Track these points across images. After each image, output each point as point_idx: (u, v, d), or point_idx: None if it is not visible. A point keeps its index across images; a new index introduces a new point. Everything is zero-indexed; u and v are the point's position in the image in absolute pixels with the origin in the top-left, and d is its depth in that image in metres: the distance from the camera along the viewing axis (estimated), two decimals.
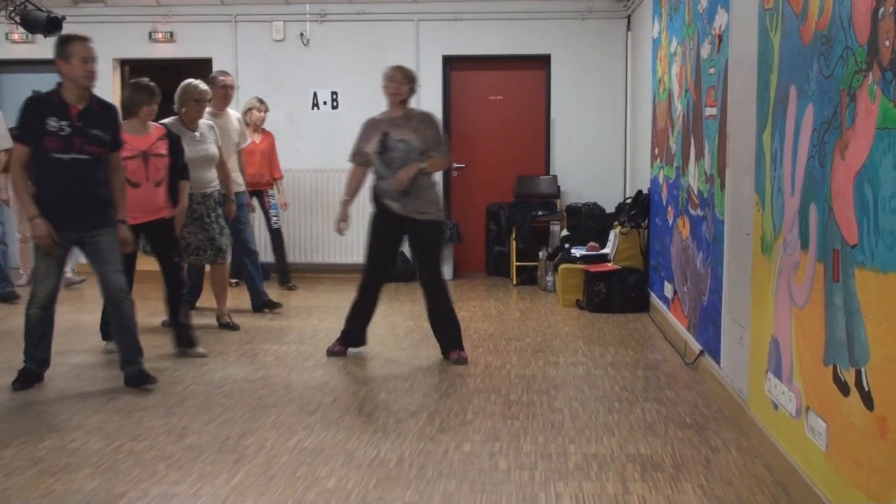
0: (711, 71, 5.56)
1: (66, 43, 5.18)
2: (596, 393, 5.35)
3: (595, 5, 10.14)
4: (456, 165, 10.59)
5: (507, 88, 10.58)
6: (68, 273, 9.20)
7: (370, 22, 10.36)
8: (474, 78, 10.62)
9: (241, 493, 3.77)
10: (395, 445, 4.38)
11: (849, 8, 3.18)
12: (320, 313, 7.95)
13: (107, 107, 5.36)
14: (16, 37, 10.38)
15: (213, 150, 6.84)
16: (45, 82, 9.97)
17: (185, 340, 6.27)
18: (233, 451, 4.30)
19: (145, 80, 6.17)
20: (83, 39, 5.21)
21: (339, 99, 10.33)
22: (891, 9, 2.80)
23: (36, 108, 5.15)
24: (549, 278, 9.25)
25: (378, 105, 10.29)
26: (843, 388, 3.18)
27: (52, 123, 5.09)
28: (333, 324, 7.48)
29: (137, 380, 5.39)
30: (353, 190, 6.50)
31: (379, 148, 6.11)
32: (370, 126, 6.31)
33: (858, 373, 3.04)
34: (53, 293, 5.32)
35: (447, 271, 10.20)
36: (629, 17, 9.97)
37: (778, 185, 4.03)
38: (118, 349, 5.46)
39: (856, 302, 3.06)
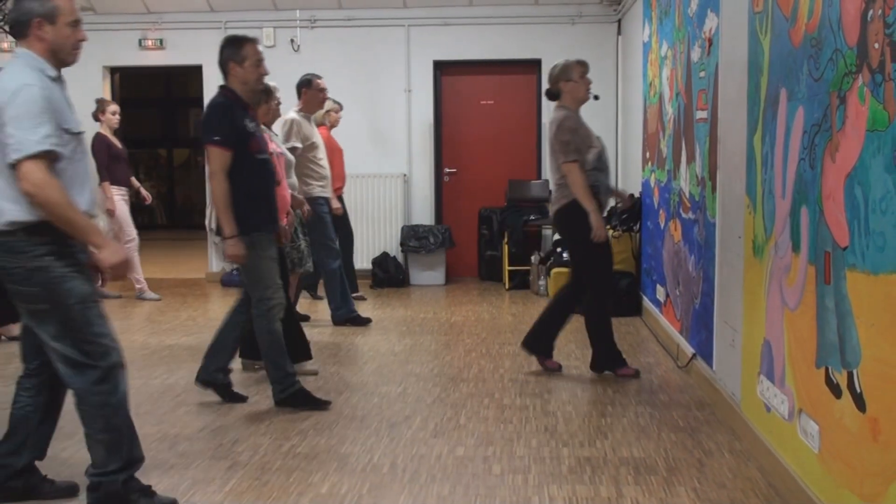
0: (702, 74, 5.58)
1: (240, 45, 5.00)
2: (589, 396, 5.35)
3: (585, 10, 10.16)
4: (448, 170, 10.61)
5: (498, 93, 10.60)
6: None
7: (360, 28, 10.37)
8: (465, 83, 10.64)
9: (235, 499, 3.76)
10: (388, 450, 4.38)
11: (838, 10, 3.19)
12: (312, 319, 7.92)
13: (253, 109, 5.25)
14: (5, 45, 10.36)
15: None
16: None
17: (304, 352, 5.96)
18: (226, 457, 4.29)
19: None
20: (254, 41, 5.07)
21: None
22: (879, 11, 2.81)
23: (232, 111, 4.90)
24: (541, 282, 9.25)
25: (370, 110, 10.37)
26: (836, 391, 3.19)
27: (249, 124, 4.94)
28: (325, 329, 7.48)
29: (301, 399, 5.12)
30: None
31: (601, 143, 5.87)
32: (580, 122, 5.83)
33: (850, 375, 3.05)
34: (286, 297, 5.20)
35: (440, 276, 10.22)
36: (619, 21, 10.00)
37: (769, 187, 4.04)
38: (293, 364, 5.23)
39: (847, 304, 3.07)
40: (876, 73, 2.84)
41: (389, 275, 10.12)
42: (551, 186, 5.83)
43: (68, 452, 4.33)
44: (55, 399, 3.73)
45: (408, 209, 10.47)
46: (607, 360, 5.85)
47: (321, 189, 7.51)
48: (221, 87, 5.02)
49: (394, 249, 10.31)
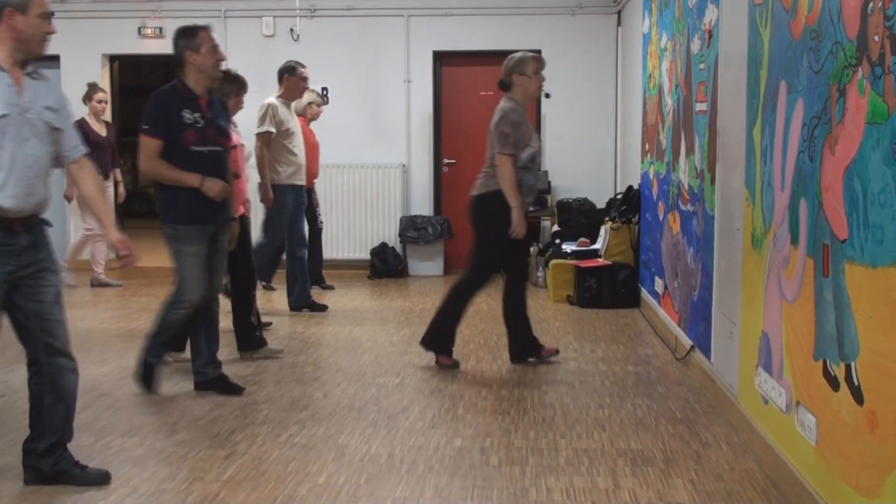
0: (701, 66, 5.57)
1: (193, 33, 5.02)
2: (586, 388, 5.36)
3: (585, 0, 10.14)
4: (447, 161, 10.59)
5: (496, 84, 10.55)
6: (101, 274, 9.14)
7: (360, 17, 10.34)
8: (465, 73, 10.62)
9: (233, 489, 3.76)
10: (385, 441, 4.38)
11: (838, 3, 3.19)
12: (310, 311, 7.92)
13: (222, 100, 5.25)
14: None
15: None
16: None
17: (257, 342, 6.11)
18: (223, 446, 4.30)
19: (233, 70, 6.09)
20: (208, 28, 5.09)
21: (329, 94, 10.30)
22: (880, 4, 2.81)
23: (169, 101, 4.96)
24: (539, 274, 9.25)
25: (369, 100, 10.35)
26: (833, 383, 3.19)
27: (188, 116, 4.93)
28: (322, 320, 7.48)
29: (222, 384, 5.23)
30: None
31: (538, 144, 5.89)
32: (524, 117, 5.82)
33: (848, 367, 3.05)
34: (204, 299, 5.10)
35: (439, 266, 10.22)
36: (619, 12, 9.98)
37: (768, 180, 4.04)
38: (205, 350, 5.24)
39: (845, 297, 3.07)
40: (876, 66, 2.84)
41: (388, 265, 10.12)
42: (483, 170, 5.82)
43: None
44: (57, 379, 3.78)
45: (406, 200, 10.46)
46: (442, 340, 5.90)
47: (291, 176, 7.55)
48: (176, 80, 5.08)
49: (392, 240, 10.31)
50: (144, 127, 4.96)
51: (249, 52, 10.27)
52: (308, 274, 7.90)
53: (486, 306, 8.17)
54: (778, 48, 3.92)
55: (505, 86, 5.87)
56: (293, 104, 7.79)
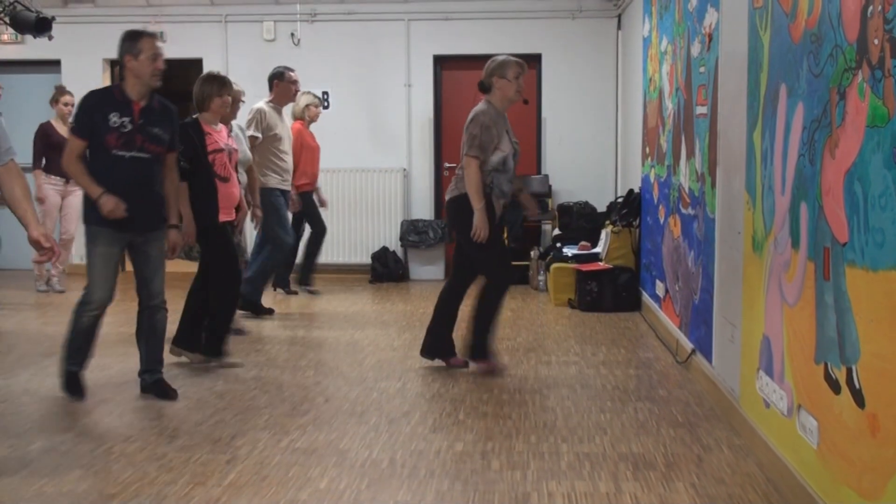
0: (702, 69, 5.57)
1: (135, 39, 5.01)
2: (588, 392, 5.35)
3: (585, 4, 10.15)
4: (447, 165, 10.59)
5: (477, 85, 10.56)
6: (55, 277, 9.13)
7: (361, 21, 10.35)
8: (465, 77, 10.60)
9: (234, 494, 3.76)
10: (387, 446, 4.38)
11: (838, 6, 3.19)
12: (311, 314, 7.92)
13: (166, 106, 5.21)
14: (5, 37, 10.35)
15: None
16: (36, 83, 9.94)
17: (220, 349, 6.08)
18: (225, 451, 4.29)
19: (215, 71, 6.07)
20: (152, 36, 5.08)
21: (330, 98, 10.32)
22: (879, 7, 2.81)
23: (97, 103, 4.97)
24: (540, 278, 9.25)
25: (370, 105, 10.36)
26: (835, 386, 3.19)
27: (114, 119, 4.91)
28: (322, 323, 7.48)
29: (159, 389, 5.24)
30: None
31: (511, 148, 5.79)
32: (496, 121, 5.74)
33: (849, 371, 3.05)
34: (108, 301, 5.12)
35: (440, 270, 10.22)
36: (620, 16, 9.99)
37: (768, 183, 4.04)
38: (142, 356, 5.29)
39: (846, 300, 3.07)
40: (876, 69, 2.84)
41: (389, 269, 10.12)
42: (456, 172, 5.89)
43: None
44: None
45: (407, 204, 10.47)
46: (442, 347, 5.94)
47: (278, 181, 7.61)
48: (115, 84, 5.15)
49: (393, 244, 10.31)
50: (72, 125, 5.08)
51: (250, 57, 10.29)
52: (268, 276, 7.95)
53: None
54: (778, 51, 3.93)
55: (484, 87, 5.85)
56: (286, 108, 7.84)
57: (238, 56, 10.41)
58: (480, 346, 5.83)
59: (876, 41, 2.84)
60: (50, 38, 7.90)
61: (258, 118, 7.47)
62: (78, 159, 4.96)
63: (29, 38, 8.52)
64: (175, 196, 5.30)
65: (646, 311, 7.68)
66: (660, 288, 7.04)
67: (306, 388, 5.46)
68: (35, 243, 4.15)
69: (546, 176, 10.30)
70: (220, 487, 3.83)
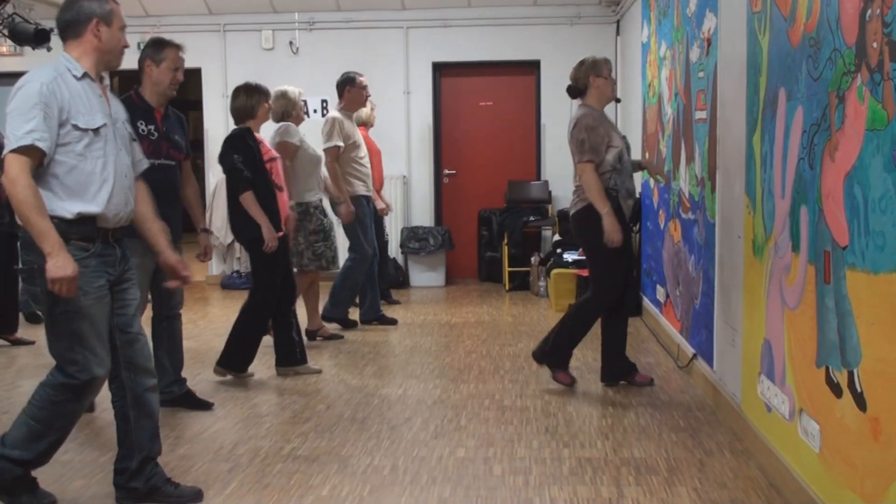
0: (701, 74, 5.58)
1: (160, 46, 4.99)
2: (589, 397, 5.35)
3: (584, 10, 10.17)
4: (447, 172, 10.61)
5: (497, 94, 10.60)
6: None
7: (359, 29, 10.37)
8: (464, 84, 10.64)
9: (236, 502, 3.76)
10: (389, 452, 4.38)
11: (836, 10, 3.19)
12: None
13: (177, 112, 5.19)
14: (4, 49, 10.36)
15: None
16: None
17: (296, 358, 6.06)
18: (227, 459, 4.29)
19: (253, 82, 6.05)
20: (178, 47, 5.05)
21: (329, 107, 10.32)
22: (878, 10, 2.81)
23: (126, 110, 4.90)
24: (541, 283, 9.25)
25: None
26: (836, 390, 3.19)
27: (142, 127, 4.85)
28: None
29: (192, 400, 5.21)
30: None
31: (623, 142, 5.59)
32: (601, 120, 5.54)
33: (851, 374, 3.05)
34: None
35: (440, 277, 10.22)
36: (618, 21, 10.00)
37: (768, 187, 4.04)
38: (167, 368, 5.15)
39: (847, 303, 3.07)
40: (875, 73, 2.84)
41: (389, 276, 10.12)
42: (574, 185, 5.55)
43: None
44: (140, 396, 3.75)
45: (407, 211, 10.47)
46: (560, 356, 5.63)
47: (365, 188, 7.52)
48: (132, 90, 5.02)
49: (394, 251, 10.31)
50: None
51: (249, 66, 10.29)
52: (377, 287, 7.85)
53: (489, 316, 8.18)
54: (777, 56, 3.93)
55: (577, 91, 5.61)
56: (355, 115, 7.74)
57: (237, 65, 10.42)
58: (564, 357, 5.63)
59: (875, 44, 2.84)
60: (49, 49, 7.90)
61: (336, 127, 7.29)
62: None
63: (28, 49, 8.51)
64: (198, 201, 5.27)
65: (647, 316, 7.68)
66: (660, 293, 7.04)
67: (307, 395, 5.46)
68: (171, 269, 3.93)
69: (545, 182, 10.31)
70: (221, 496, 3.83)
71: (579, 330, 5.57)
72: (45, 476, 4.04)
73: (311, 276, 6.96)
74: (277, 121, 6.75)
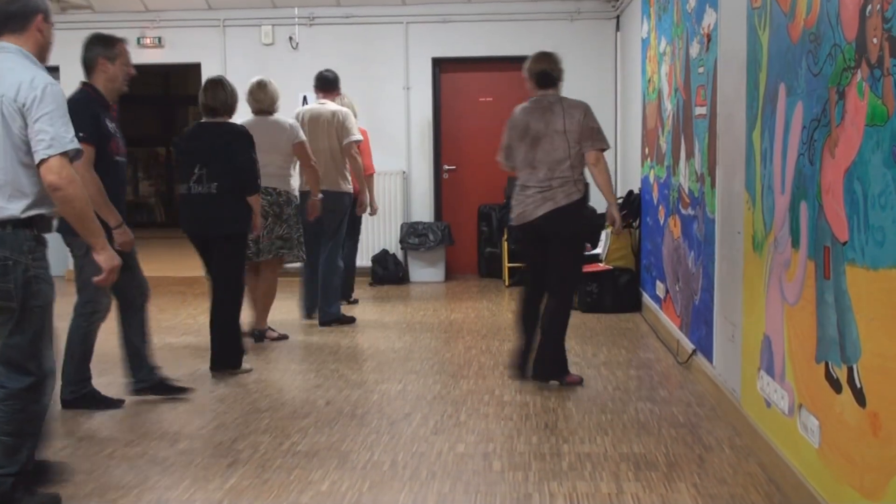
0: (701, 70, 5.57)
1: (112, 44, 5.01)
2: (589, 392, 5.35)
3: (584, 6, 10.16)
4: (447, 167, 10.60)
5: (496, 90, 10.59)
6: None
7: (359, 25, 10.36)
8: (464, 79, 10.63)
9: (235, 497, 3.76)
10: (388, 447, 4.38)
11: (836, 5, 3.19)
12: (311, 317, 7.91)
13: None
14: None
15: None
16: None
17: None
18: (226, 455, 4.29)
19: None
20: (125, 41, 5.13)
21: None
22: (878, 6, 2.81)
23: (96, 107, 4.85)
24: None
25: (369, 108, 10.36)
26: (836, 386, 3.19)
27: (108, 123, 4.87)
28: (326, 328, 7.47)
29: (169, 387, 5.26)
30: None
31: None
32: None
33: (850, 370, 3.05)
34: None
35: (440, 273, 10.22)
36: (618, 17, 9.99)
37: (768, 183, 4.04)
38: (145, 354, 5.22)
39: (847, 299, 3.07)
40: (875, 68, 2.84)
41: (389, 272, 10.13)
42: (548, 177, 5.37)
43: None
44: None
45: (407, 206, 10.47)
46: (562, 363, 5.54)
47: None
48: (83, 84, 4.96)
49: (393, 246, 10.31)
50: (80, 134, 4.26)
51: (249, 61, 10.29)
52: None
53: (488, 312, 8.18)
54: (777, 51, 3.93)
55: (551, 81, 5.54)
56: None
57: (236, 60, 10.41)
58: (564, 361, 5.57)
59: (875, 40, 2.84)
60: None
61: (355, 122, 7.54)
62: (93, 170, 4.68)
63: None
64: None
65: (646, 311, 7.68)
66: (660, 288, 7.04)
67: (307, 390, 5.46)
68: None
69: None
70: (221, 491, 3.83)
71: (564, 332, 5.55)
72: None
73: (276, 270, 6.90)
74: (260, 113, 6.82)
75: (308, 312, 7.74)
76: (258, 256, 6.63)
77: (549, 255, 5.46)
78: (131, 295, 5.14)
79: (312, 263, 7.45)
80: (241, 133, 5.85)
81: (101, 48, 4.98)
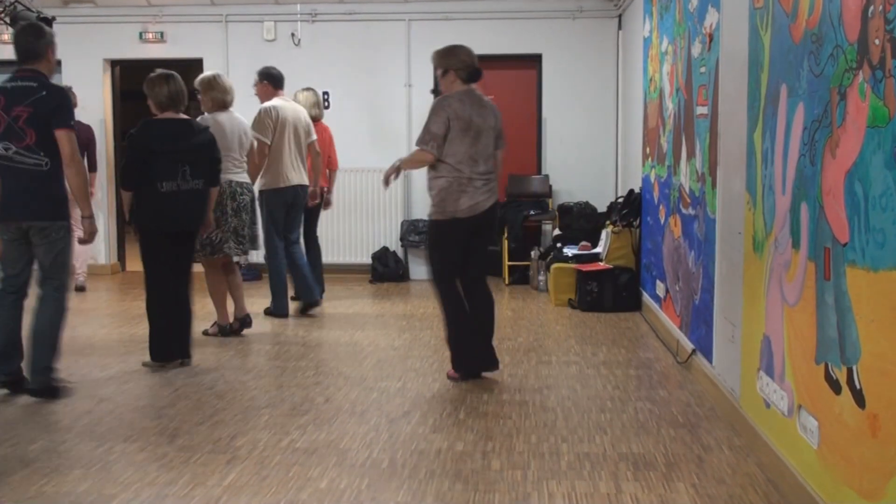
0: (702, 70, 5.57)
1: (53, 36, 5.22)
2: (588, 392, 5.35)
3: (586, 5, 10.14)
4: None
5: (498, 88, 10.56)
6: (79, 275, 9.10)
7: (361, 21, 10.35)
8: None
9: (234, 494, 3.76)
10: (387, 445, 4.38)
11: (839, 6, 3.19)
12: (311, 314, 7.90)
13: None
14: (5, 37, 10.34)
15: None
16: None
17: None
18: (225, 451, 4.29)
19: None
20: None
21: (330, 99, 10.31)
22: (880, 7, 2.81)
23: None
24: (541, 278, 9.25)
25: (370, 104, 10.37)
26: (835, 387, 3.19)
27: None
28: (322, 323, 7.47)
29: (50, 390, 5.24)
30: None
31: None
32: None
33: (850, 371, 3.05)
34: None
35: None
36: (620, 16, 9.98)
37: (769, 183, 4.03)
38: (47, 352, 5.21)
39: (847, 300, 3.07)
40: (876, 70, 2.84)
41: (389, 269, 10.12)
42: (487, 171, 5.56)
43: None
44: None
45: (407, 204, 10.46)
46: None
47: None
48: (45, 74, 5.16)
49: (393, 244, 10.31)
50: (71, 123, 5.10)
51: (251, 57, 10.26)
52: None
53: None
54: (778, 52, 3.93)
55: (478, 76, 5.71)
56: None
57: (238, 56, 10.40)
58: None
59: (877, 41, 2.83)
60: None
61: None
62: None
63: None
64: None
65: (646, 311, 7.68)
66: (660, 288, 7.04)
67: (306, 387, 5.46)
68: None
69: (546, 176, 10.30)
70: (220, 487, 3.83)
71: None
72: (42, 465, 4.06)
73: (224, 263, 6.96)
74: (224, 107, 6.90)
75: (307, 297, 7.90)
76: (218, 251, 6.69)
77: (474, 247, 5.68)
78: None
79: (293, 254, 7.73)
80: (209, 129, 6.18)
81: (50, 36, 5.19)
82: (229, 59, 10.42)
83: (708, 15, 5.42)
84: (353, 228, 10.37)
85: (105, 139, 10.53)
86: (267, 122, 7.34)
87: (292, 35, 10.40)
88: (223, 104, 6.83)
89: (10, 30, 8.24)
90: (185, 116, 6.03)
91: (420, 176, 10.43)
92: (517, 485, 3.85)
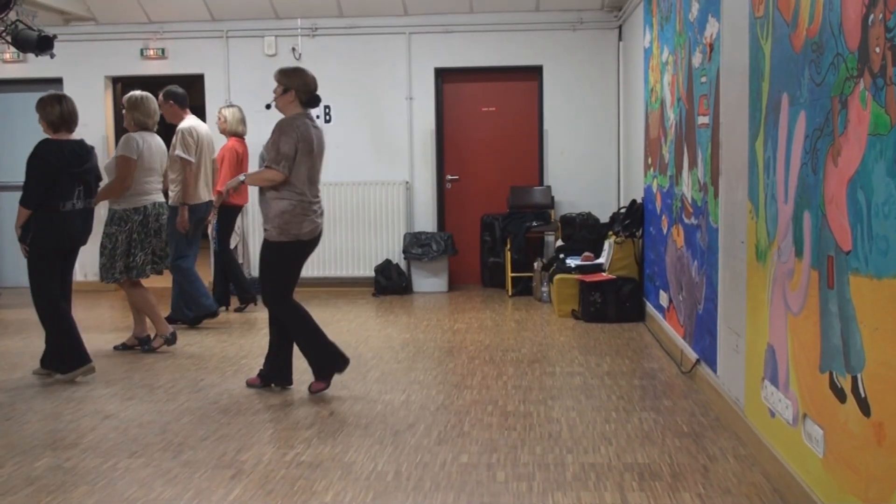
0: (703, 80, 5.58)
1: None
2: (593, 403, 5.34)
3: (586, 16, 10.17)
4: (450, 177, 10.60)
5: (499, 100, 10.60)
6: None
7: (362, 36, 10.37)
8: (467, 90, 10.64)
9: None
10: (392, 458, 4.37)
11: (839, 15, 3.19)
12: None
13: None
14: (7, 56, 10.39)
15: None
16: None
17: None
18: (230, 466, 4.29)
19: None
20: None
21: (331, 113, 10.33)
22: (880, 15, 2.81)
23: None
24: (544, 289, 9.25)
25: (371, 118, 10.38)
26: (840, 395, 3.18)
27: None
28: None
29: None
30: None
31: None
32: None
33: (854, 379, 3.04)
34: None
35: (443, 283, 10.21)
36: (620, 27, 10.01)
37: (771, 192, 4.04)
38: None
39: (851, 308, 3.07)
40: (877, 78, 2.84)
41: (392, 282, 10.12)
42: (317, 194, 5.64)
43: None
44: None
45: (410, 216, 10.47)
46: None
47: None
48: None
49: (396, 257, 10.31)
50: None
51: (252, 72, 10.31)
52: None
53: (491, 322, 8.17)
54: (779, 61, 3.93)
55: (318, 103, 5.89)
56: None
57: (239, 71, 10.43)
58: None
59: (877, 49, 2.84)
60: (52, 56, 7.92)
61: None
62: None
63: (31, 56, 8.52)
64: None
65: (650, 321, 7.68)
66: (663, 298, 7.04)
67: (310, 401, 5.45)
68: None
69: (548, 187, 10.31)
70: (225, 502, 3.83)
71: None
72: (47, 482, 4.06)
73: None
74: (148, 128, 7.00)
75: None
76: (141, 274, 6.79)
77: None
78: None
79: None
80: (94, 150, 6.29)
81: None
82: (230, 74, 10.44)
83: (708, 25, 5.43)
84: (355, 242, 10.38)
85: (107, 156, 10.55)
86: (190, 142, 7.62)
87: (293, 50, 10.42)
88: (144, 126, 6.92)
89: (13, 49, 8.28)
90: (77, 138, 6.14)
91: (423, 188, 10.49)
92: (522, 496, 3.85)
